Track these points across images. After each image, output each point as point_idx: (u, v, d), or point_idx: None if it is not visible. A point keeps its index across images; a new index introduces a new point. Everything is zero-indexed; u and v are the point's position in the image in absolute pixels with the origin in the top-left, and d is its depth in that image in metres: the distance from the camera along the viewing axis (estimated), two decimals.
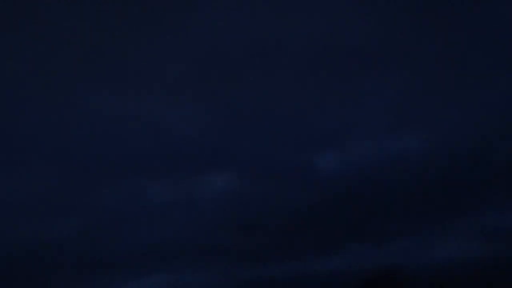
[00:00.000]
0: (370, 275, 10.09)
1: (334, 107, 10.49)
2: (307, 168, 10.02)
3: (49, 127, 9.54)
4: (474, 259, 10.08)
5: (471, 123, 10.23)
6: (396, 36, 10.18)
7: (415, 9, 10.27)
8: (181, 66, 9.75)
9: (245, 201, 9.60)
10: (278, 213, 9.69)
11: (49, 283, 8.52)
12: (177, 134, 9.84)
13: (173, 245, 9.58)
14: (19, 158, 9.29)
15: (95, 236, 9.24)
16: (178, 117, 9.82)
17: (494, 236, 10.60)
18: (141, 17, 9.65)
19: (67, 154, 9.67)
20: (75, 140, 9.73)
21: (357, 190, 10.17)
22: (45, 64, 9.26)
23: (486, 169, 10.29)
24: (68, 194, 9.26)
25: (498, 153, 10.31)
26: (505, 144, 10.24)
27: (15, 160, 9.26)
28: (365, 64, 10.07)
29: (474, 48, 10.04)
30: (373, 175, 10.34)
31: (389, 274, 10.50)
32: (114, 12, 9.41)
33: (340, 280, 9.42)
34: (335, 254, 9.88)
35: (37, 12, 9.10)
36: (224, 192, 9.80)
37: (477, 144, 10.35)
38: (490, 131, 10.20)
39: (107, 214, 9.44)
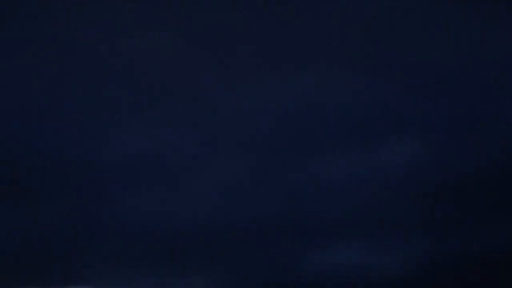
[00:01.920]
0: None
1: None
2: (496, 129, 9.65)
3: (241, 114, 10.22)
4: None
5: None
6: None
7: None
8: None
9: (430, 168, 9.69)
10: (467, 179, 9.36)
11: (253, 253, 9.32)
12: (354, 104, 10.19)
13: (357, 218, 9.62)
14: (217, 145, 9.97)
15: (287, 212, 9.62)
16: (354, 85, 10.16)
17: None
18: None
19: (260, 137, 9.89)
20: (265, 123, 10.13)
21: None
22: None
23: None
24: (263, 175, 9.77)
25: None
26: None
27: (214, 149, 9.96)
28: None
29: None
30: None
31: None
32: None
33: None
34: None
35: None
36: (408, 160, 9.63)
37: None
38: None
39: (292, 192, 9.73)
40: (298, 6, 10.33)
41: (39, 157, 8.93)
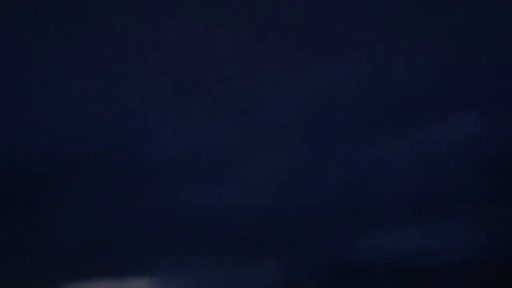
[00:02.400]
0: None
1: None
2: None
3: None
4: None
5: None
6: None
7: None
8: None
9: (488, 146, 9.33)
10: None
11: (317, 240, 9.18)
12: (405, 83, 9.66)
13: (414, 200, 9.43)
14: (267, 135, 9.80)
15: (342, 197, 9.49)
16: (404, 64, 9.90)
17: None
18: None
19: (310, 123, 9.79)
20: (314, 109, 9.93)
21: None
22: None
23: None
24: (315, 162, 9.62)
25: None
26: None
27: (265, 139, 9.79)
28: None
29: None
30: None
31: None
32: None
33: None
34: None
35: None
36: (464, 138, 9.49)
37: None
38: None
39: (346, 177, 9.56)
40: None
41: (101, 155, 9.16)
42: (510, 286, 8.61)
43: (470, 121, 9.75)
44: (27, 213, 8.99)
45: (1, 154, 9.02)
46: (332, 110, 10.10)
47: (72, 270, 8.83)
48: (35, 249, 8.96)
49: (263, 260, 9.15)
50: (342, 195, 9.41)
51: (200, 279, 9.07)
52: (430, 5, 10.22)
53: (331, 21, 10.56)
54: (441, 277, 8.70)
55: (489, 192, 9.20)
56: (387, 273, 8.69)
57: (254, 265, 9.25)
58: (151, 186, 9.24)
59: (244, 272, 9.09)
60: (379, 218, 9.37)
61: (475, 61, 10.03)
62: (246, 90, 9.96)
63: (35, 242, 8.99)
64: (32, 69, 9.54)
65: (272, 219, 9.24)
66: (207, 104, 10.03)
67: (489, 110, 9.62)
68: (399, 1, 10.10)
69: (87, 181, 9.10)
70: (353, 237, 9.04)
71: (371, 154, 9.81)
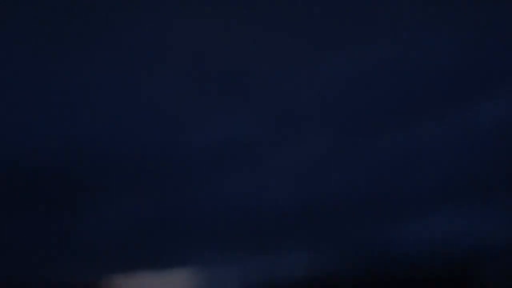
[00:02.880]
0: None
1: None
2: None
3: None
4: None
5: None
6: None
7: None
8: None
9: None
10: None
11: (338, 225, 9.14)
12: (440, 64, 9.55)
13: (451, 185, 9.37)
14: (298, 123, 9.57)
15: (377, 183, 9.33)
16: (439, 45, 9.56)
17: None
18: None
19: (341, 108, 9.82)
20: (346, 94, 9.83)
21: None
22: None
23: None
24: (348, 148, 9.33)
25: None
26: None
27: (296, 128, 9.51)
28: None
29: None
30: None
31: None
32: None
33: None
34: None
35: None
36: (499, 121, 9.39)
37: None
38: None
39: (380, 162, 9.35)
40: None
41: (133, 150, 9.30)
42: None
43: (507, 102, 9.90)
44: (66, 210, 9.16)
45: (37, 152, 9.20)
46: (360, 97, 10.11)
47: (111, 264, 8.99)
48: (74, 245, 9.13)
49: (296, 250, 9.24)
50: (376, 182, 9.41)
51: (235, 268, 9.22)
52: None
53: (352, 7, 10.57)
54: (481, 263, 8.74)
55: None
56: (423, 261, 8.80)
57: (287, 255, 9.38)
58: (185, 179, 9.39)
59: (277, 261, 9.20)
60: (416, 202, 9.35)
61: (508, 42, 10.21)
62: (272, 82, 10.03)
63: (74, 239, 9.16)
64: (54, 67, 9.69)
65: (303, 209, 9.30)
66: (233, 98, 10.13)
67: None
68: None
69: (124, 177, 9.27)
70: (388, 225, 9.09)
71: (405, 137, 9.79)
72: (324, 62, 9.96)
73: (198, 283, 9.57)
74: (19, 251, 9.27)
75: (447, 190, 9.24)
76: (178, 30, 9.91)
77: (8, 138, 9.35)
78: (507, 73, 9.82)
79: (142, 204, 9.45)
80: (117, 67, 9.72)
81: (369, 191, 9.26)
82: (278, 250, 9.25)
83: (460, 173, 9.41)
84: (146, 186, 9.51)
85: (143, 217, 9.37)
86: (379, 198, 9.25)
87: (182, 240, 9.28)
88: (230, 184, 9.52)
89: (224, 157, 9.67)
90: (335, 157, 9.56)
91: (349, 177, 9.36)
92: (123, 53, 9.83)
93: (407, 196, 9.24)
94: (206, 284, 9.50)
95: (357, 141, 9.64)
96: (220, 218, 9.38)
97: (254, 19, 9.97)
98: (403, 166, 9.50)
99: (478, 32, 10.01)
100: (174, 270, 9.53)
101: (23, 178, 9.36)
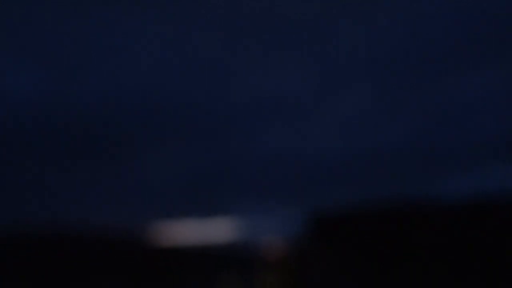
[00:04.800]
0: None
1: None
2: None
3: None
4: None
5: None
6: None
7: None
8: None
9: None
10: None
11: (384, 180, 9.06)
12: (486, 18, 9.60)
13: (500, 140, 9.50)
14: (341, 77, 9.87)
15: (423, 136, 9.43)
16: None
17: None
18: None
19: (388, 61, 9.80)
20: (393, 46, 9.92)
21: None
22: None
23: None
24: (393, 101, 9.62)
25: None
26: None
27: (338, 82, 9.88)
28: None
29: None
30: None
31: None
32: None
33: None
34: None
35: None
36: None
37: None
38: None
39: (428, 115, 9.63)
40: None
41: (186, 103, 9.54)
42: None
43: None
44: (123, 157, 9.48)
45: (88, 104, 9.47)
46: (405, 49, 10.06)
47: (157, 212, 9.31)
48: (125, 191, 9.47)
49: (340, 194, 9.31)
50: (424, 133, 9.38)
51: (277, 218, 9.45)
52: None
53: None
54: None
55: None
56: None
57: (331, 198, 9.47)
58: (231, 131, 9.62)
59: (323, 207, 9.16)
60: (465, 156, 9.22)
61: None
62: (318, 37, 10.11)
63: (125, 185, 9.50)
64: (119, 28, 9.85)
65: (353, 159, 9.34)
66: (279, 53, 10.26)
67: None
68: None
69: (171, 127, 9.53)
70: (436, 176, 9.10)
71: (452, 91, 9.63)
72: (367, 17, 9.98)
73: (241, 231, 9.88)
74: (69, 198, 9.56)
75: (494, 145, 9.18)
76: None
77: (60, 88, 9.61)
78: None
79: (189, 154, 9.73)
80: (165, 21, 9.91)
81: (414, 145, 9.26)
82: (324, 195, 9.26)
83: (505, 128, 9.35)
84: (193, 136, 9.79)
85: (190, 166, 9.66)
86: (422, 150, 9.26)
87: (227, 189, 9.57)
88: (275, 136, 9.73)
89: (271, 110, 9.86)
90: (380, 111, 9.56)
91: (394, 130, 9.36)
92: (171, 8, 9.98)
93: (452, 150, 9.22)
94: (248, 232, 9.80)
95: (402, 95, 9.62)
96: (266, 169, 9.61)
97: None
98: (450, 120, 9.44)
99: None
100: (218, 219, 9.85)
101: (77, 128, 9.64)
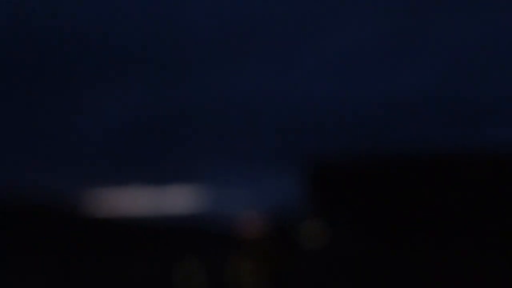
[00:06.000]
0: None
1: None
2: None
3: None
4: None
5: None
6: None
7: None
8: None
9: None
10: None
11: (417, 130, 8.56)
12: None
13: None
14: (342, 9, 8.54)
15: (454, 84, 8.81)
16: None
17: None
18: None
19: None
20: None
21: None
22: None
23: None
24: (402, 42, 8.77)
25: None
26: None
27: (339, 14, 8.86)
28: None
29: None
30: None
31: None
32: None
33: None
34: None
35: None
36: None
37: None
38: None
39: (462, 59, 9.09)
40: None
41: (137, 34, 7.88)
42: None
43: None
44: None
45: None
46: None
47: (102, 172, 7.61)
48: (61, 148, 7.90)
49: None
50: (445, 80, 8.63)
51: (257, 184, 7.69)
52: None
53: None
54: None
55: None
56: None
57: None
58: (200, 66, 7.85)
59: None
60: (484, 109, 8.60)
61: None
62: None
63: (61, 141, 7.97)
64: None
65: (363, 105, 8.42)
66: None
67: None
68: None
69: (127, 66, 7.81)
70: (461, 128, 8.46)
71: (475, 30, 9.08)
72: None
73: (209, 201, 7.93)
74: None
75: None
76: None
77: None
78: None
79: (145, 97, 7.91)
80: None
81: (433, 93, 8.44)
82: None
83: None
84: (148, 76, 7.88)
85: (144, 113, 7.86)
86: (435, 99, 8.47)
87: (193, 145, 7.66)
88: (256, 75, 8.14)
89: (250, 40, 8.32)
90: (387, 52, 8.65)
91: (403, 77, 8.48)
92: None
93: (484, 107, 8.61)
94: (219, 202, 7.91)
95: (415, 36, 8.69)
96: (243, 118, 7.92)
97: None
98: (471, 78, 8.97)
99: None
100: (179, 185, 7.84)
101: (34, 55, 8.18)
